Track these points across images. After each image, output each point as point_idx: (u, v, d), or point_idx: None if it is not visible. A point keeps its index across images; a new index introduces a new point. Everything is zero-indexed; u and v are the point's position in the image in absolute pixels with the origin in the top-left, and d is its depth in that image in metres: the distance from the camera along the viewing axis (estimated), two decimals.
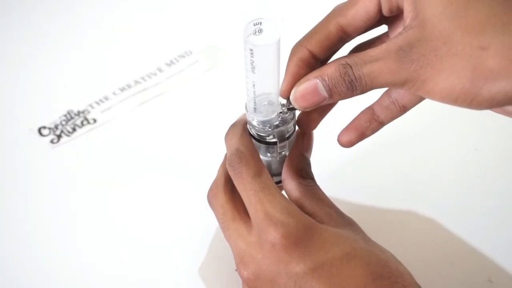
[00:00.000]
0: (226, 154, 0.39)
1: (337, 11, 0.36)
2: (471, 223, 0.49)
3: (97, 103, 0.60)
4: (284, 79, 0.37)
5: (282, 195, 0.36)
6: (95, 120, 0.59)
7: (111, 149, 0.57)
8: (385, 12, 0.35)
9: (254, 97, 0.35)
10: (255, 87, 0.34)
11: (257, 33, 0.32)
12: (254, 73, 0.33)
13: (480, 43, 0.30)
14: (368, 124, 0.38)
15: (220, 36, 0.67)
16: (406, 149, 0.55)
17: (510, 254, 0.47)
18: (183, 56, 0.65)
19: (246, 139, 0.37)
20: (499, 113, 0.35)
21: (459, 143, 0.55)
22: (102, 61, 0.65)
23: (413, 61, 0.31)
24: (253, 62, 0.32)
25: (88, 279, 0.47)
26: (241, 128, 0.38)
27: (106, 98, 0.61)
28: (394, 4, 0.34)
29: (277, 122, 0.37)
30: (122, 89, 0.61)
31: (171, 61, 0.64)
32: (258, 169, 0.36)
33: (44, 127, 0.58)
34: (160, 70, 0.63)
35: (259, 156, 0.37)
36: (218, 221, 0.39)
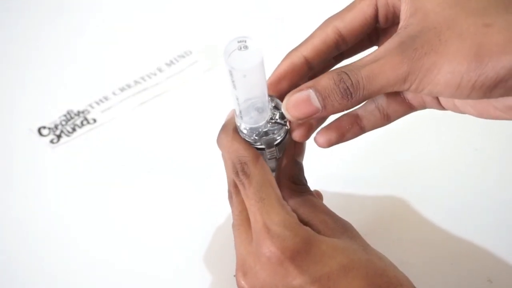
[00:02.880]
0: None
1: (334, 16, 0.36)
2: (471, 223, 0.49)
3: (97, 103, 0.60)
4: (268, 78, 0.36)
5: (282, 206, 0.35)
6: (95, 120, 0.59)
7: (111, 149, 0.57)
8: (381, 18, 0.35)
9: (240, 108, 0.34)
10: (239, 100, 0.34)
11: (242, 49, 0.31)
12: (235, 89, 0.32)
13: (484, 22, 0.30)
14: (349, 126, 0.37)
15: (220, 36, 0.67)
16: (405, 149, 0.55)
17: (510, 254, 0.47)
18: (183, 56, 0.65)
19: (248, 146, 0.36)
20: (499, 117, 0.35)
21: (459, 143, 0.55)
22: (102, 61, 0.65)
23: (417, 49, 0.31)
24: (234, 81, 0.32)
25: (87, 279, 0.47)
26: (233, 130, 0.37)
27: (106, 98, 0.61)
28: (390, 9, 0.34)
29: (266, 129, 0.36)
30: (122, 89, 0.61)
31: (171, 61, 0.64)
32: (261, 178, 0.35)
33: (44, 127, 0.58)
34: (160, 70, 0.63)
35: (262, 164, 0.36)
36: (233, 217, 0.38)
